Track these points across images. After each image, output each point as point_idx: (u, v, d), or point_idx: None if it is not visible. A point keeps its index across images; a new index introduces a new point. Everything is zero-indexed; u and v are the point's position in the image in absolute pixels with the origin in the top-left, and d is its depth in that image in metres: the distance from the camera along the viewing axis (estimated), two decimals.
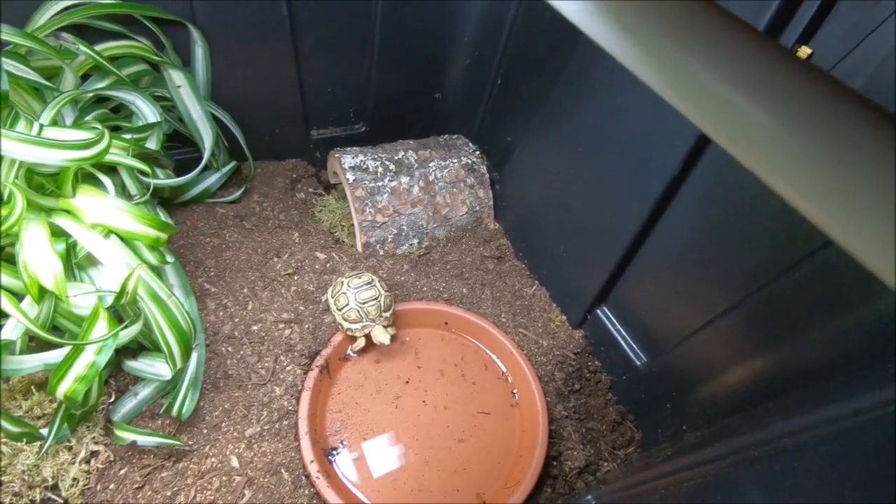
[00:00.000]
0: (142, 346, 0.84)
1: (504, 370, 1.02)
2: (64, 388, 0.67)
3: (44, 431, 0.74)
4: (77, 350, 0.67)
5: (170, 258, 0.87)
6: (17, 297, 0.68)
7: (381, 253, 1.15)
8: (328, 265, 1.09)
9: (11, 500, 0.72)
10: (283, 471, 0.83)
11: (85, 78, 0.90)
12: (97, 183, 0.79)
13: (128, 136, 0.83)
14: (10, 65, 0.73)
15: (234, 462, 0.82)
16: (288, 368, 0.93)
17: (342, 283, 0.98)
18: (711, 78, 0.25)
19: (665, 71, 0.28)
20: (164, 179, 0.97)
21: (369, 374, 0.98)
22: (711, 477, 0.56)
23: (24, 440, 0.74)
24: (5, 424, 0.70)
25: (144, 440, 0.77)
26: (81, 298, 0.73)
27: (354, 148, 1.20)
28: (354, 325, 0.95)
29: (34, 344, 0.78)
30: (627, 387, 0.98)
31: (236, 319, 0.96)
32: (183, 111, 1.00)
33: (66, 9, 0.85)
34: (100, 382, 0.76)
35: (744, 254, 0.74)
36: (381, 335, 0.94)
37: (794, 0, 0.62)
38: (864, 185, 0.19)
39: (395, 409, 0.94)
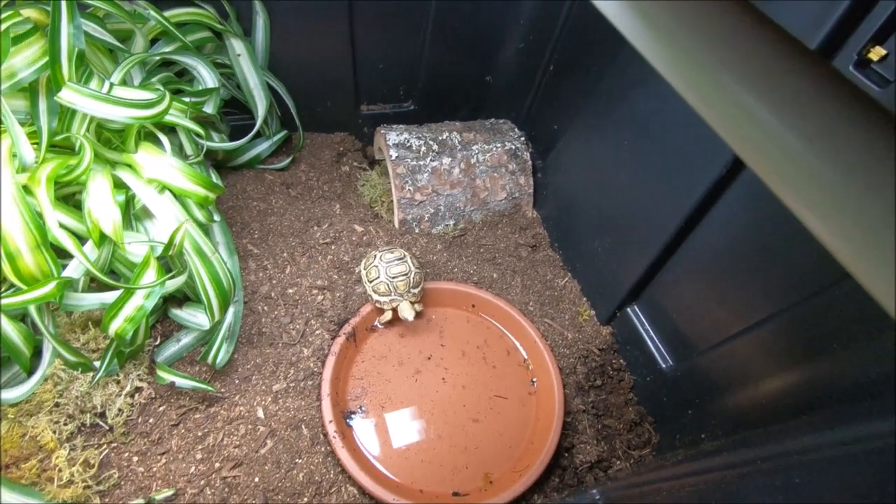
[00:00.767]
0: (187, 296, 0.91)
1: (526, 358, 1.03)
2: (115, 326, 0.74)
3: (96, 364, 0.82)
4: (128, 293, 0.73)
5: (217, 217, 0.93)
6: (81, 240, 0.75)
7: (417, 231, 1.17)
8: (364, 238, 1.13)
9: (66, 420, 0.81)
10: (303, 427, 0.88)
11: (153, 42, 0.96)
12: (157, 141, 0.85)
13: (187, 100, 0.88)
14: (89, 26, 0.79)
15: (260, 413, 0.88)
16: (317, 332, 0.97)
17: (375, 256, 1.01)
18: (749, 98, 0.23)
19: (697, 82, 0.26)
20: (217, 143, 1.02)
21: (393, 347, 1.01)
22: (715, 483, 0.55)
23: (80, 369, 0.82)
24: (64, 353, 0.78)
25: (182, 383, 0.83)
26: (136, 247, 0.79)
27: (400, 126, 1.22)
28: (383, 298, 0.98)
29: (94, 285, 0.86)
30: (650, 388, 0.97)
31: (274, 281, 1.02)
32: (241, 79, 1.05)
33: None
34: (146, 325, 0.83)
35: (786, 264, 0.71)
36: (407, 311, 0.97)
37: None
38: None
39: (414, 383, 0.97)
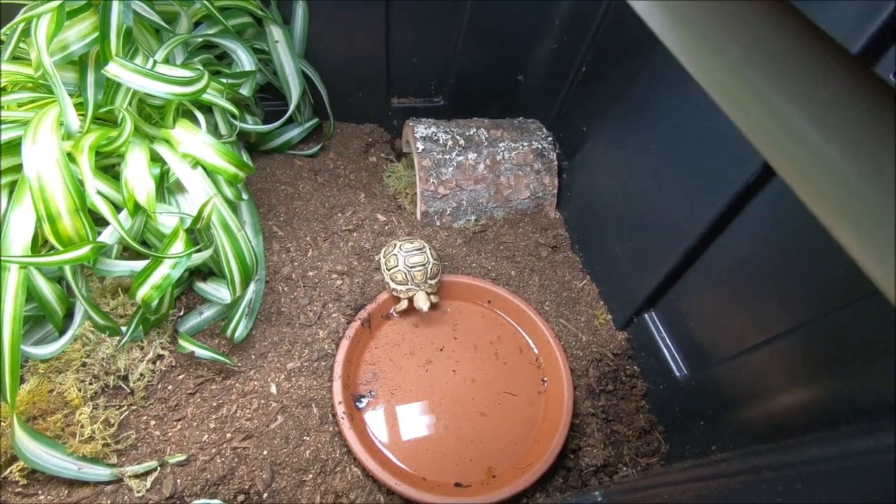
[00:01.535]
0: (212, 271, 0.94)
1: (538, 356, 1.02)
2: (142, 292, 0.77)
3: (123, 329, 0.86)
4: (156, 262, 0.77)
5: (245, 196, 0.96)
6: (116, 209, 0.78)
7: (438, 224, 1.18)
8: (386, 227, 1.14)
9: (91, 379, 0.85)
10: (313, 406, 0.89)
11: (197, 25, 0.99)
12: (193, 119, 0.89)
13: (225, 81, 0.91)
14: (138, 5, 0.83)
15: (273, 389, 0.90)
16: (333, 315, 0.99)
17: (395, 245, 1.02)
18: (784, 103, 0.22)
19: (730, 86, 0.26)
20: (251, 125, 1.05)
21: (406, 336, 1.02)
22: (716, 489, 0.54)
23: (107, 333, 0.86)
24: (95, 316, 0.82)
25: (202, 353, 0.86)
26: (166, 218, 0.82)
27: (429, 119, 1.23)
28: (400, 287, 0.99)
29: (126, 254, 0.90)
30: (663, 397, 0.95)
31: (295, 263, 1.04)
32: (277, 65, 1.08)
33: None
34: (171, 294, 0.86)
35: (811, 278, 0.69)
36: (422, 301, 0.98)
37: None
38: None
39: (425, 373, 0.98)
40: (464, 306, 1.08)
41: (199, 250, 0.81)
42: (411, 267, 0.98)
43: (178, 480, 0.80)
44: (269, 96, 1.19)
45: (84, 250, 0.71)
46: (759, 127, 0.24)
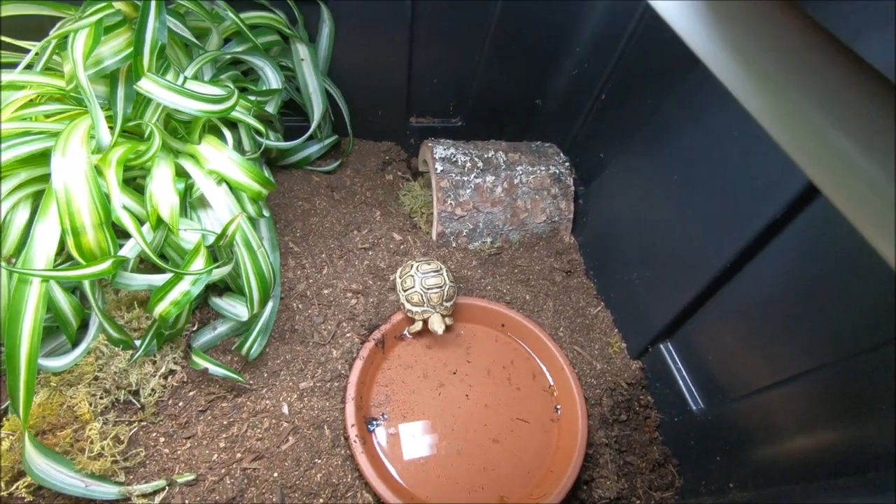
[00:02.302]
0: (228, 286, 0.93)
1: (552, 383, 1.01)
2: (160, 308, 0.77)
3: (137, 343, 0.85)
4: (177, 278, 0.76)
5: (266, 213, 0.95)
6: (140, 223, 0.78)
7: (454, 245, 1.18)
8: (402, 247, 1.14)
9: (102, 394, 0.84)
10: (325, 427, 0.88)
11: (226, 42, 1.00)
12: (220, 135, 0.89)
13: (252, 98, 0.91)
14: (170, 21, 0.83)
15: (285, 409, 0.89)
16: (347, 335, 0.98)
17: (412, 265, 1.02)
18: (832, 127, 0.23)
19: (781, 111, 0.27)
20: (274, 142, 1.06)
21: (420, 358, 1.01)
22: None
23: (121, 346, 0.85)
24: (109, 329, 0.81)
25: (215, 370, 0.85)
26: (189, 234, 0.82)
27: (448, 140, 1.24)
28: (415, 308, 0.98)
29: (143, 266, 0.89)
30: (677, 430, 0.94)
31: (311, 280, 1.04)
32: (301, 82, 1.09)
33: None
34: (189, 310, 0.86)
35: (835, 318, 0.69)
36: (437, 323, 0.97)
37: None
38: None
39: (437, 396, 0.97)
40: (478, 329, 1.07)
41: (220, 266, 0.81)
42: (428, 289, 0.98)
43: (187, 501, 0.79)
44: (290, 112, 1.19)
45: (106, 265, 0.71)
46: (804, 147, 0.25)
